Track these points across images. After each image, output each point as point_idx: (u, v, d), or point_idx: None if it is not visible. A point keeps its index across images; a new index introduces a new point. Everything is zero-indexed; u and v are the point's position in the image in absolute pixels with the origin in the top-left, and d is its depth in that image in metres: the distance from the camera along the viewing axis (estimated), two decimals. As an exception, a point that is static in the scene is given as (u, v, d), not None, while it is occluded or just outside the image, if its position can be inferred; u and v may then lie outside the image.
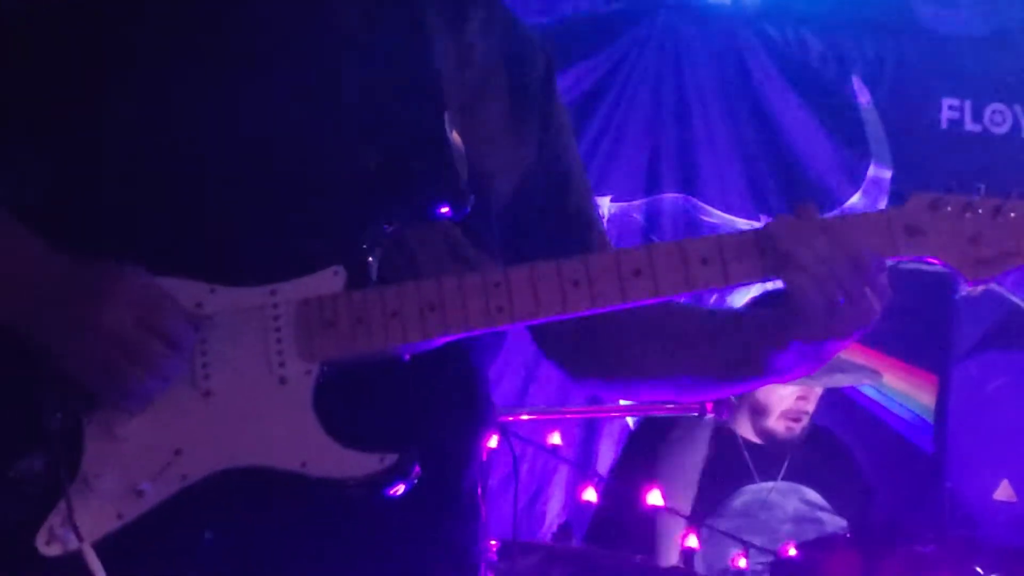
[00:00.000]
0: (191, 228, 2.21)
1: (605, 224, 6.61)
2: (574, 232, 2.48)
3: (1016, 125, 7.22)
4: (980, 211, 2.18)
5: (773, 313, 2.24)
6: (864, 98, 7.12)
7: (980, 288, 5.50)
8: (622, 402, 6.69)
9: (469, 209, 2.23)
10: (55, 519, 2.10)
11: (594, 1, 6.84)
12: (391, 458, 2.13)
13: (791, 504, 5.18)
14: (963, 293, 6.21)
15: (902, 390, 6.84)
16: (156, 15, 2.26)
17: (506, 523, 5.58)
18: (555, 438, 5.49)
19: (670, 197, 6.93)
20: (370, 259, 2.20)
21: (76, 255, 2.17)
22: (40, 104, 2.26)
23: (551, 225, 2.47)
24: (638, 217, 6.89)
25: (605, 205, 6.82)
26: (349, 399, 2.18)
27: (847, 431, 5.98)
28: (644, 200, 6.89)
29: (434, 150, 2.25)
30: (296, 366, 2.17)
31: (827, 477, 5.30)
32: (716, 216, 6.95)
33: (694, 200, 6.95)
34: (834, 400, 6.18)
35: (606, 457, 6.55)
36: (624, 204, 6.87)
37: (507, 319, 2.18)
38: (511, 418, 4.80)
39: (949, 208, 2.19)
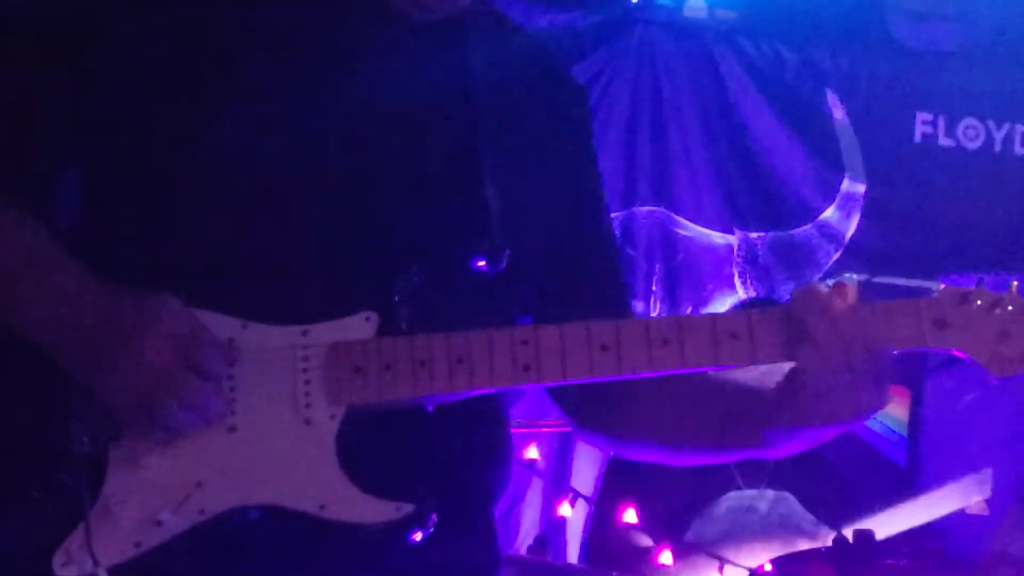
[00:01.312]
0: (228, 262, 2.23)
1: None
2: (597, 287, 2.49)
3: (989, 140, 7.27)
4: (1010, 308, 2.19)
5: (777, 390, 2.23)
6: (838, 112, 7.15)
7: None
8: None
9: (504, 264, 2.25)
10: (73, 542, 2.12)
11: (571, 15, 6.85)
12: (408, 507, 2.15)
13: (775, 512, 5.19)
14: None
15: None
16: (197, 49, 2.26)
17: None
18: (531, 452, 5.50)
19: (646, 210, 6.94)
20: (402, 307, 2.21)
21: (116, 283, 2.18)
22: (74, 130, 2.26)
23: (576, 277, 2.47)
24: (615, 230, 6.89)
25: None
26: (372, 445, 2.19)
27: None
28: (620, 213, 6.90)
29: (470, 200, 2.27)
30: (322, 408, 2.18)
31: (809, 486, 5.32)
32: (691, 229, 6.97)
33: (669, 213, 6.97)
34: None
35: (580, 472, 6.55)
36: (600, 217, 6.87)
37: (534, 378, 2.19)
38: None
39: (979, 303, 2.19)
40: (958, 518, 6.50)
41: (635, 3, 6.92)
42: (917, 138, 7.21)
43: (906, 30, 7.10)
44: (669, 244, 6.95)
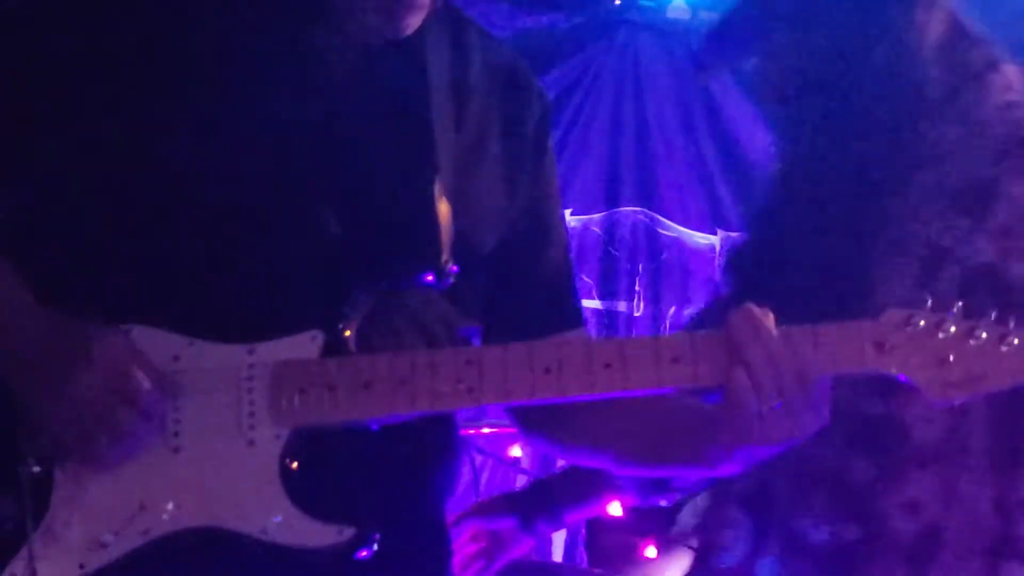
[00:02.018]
0: (174, 279, 2.20)
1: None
2: (544, 301, 2.45)
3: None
4: (952, 331, 2.13)
5: (718, 409, 2.19)
6: (821, 113, 7.15)
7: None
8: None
9: (452, 280, 2.23)
10: (17, 565, 2.10)
11: (554, 16, 6.86)
12: (350, 531, 2.12)
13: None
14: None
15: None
16: (138, 68, 2.23)
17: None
18: (515, 451, 5.50)
19: (629, 211, 6.96)
20: (349, 326, 2.18)
21: (56, 309, 2.16)
22: (22, 144, 2.24)
23: (523, 289, 2.44)
24: (598, 231, 6.92)
25: (566, 218, 6.82)
26: (316, 466, 2.16)
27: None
28: (604, 213, 6.92)
29: (421, 217, 2.24)
30: (266, 429, 2.15)
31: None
32: (674, 230, 6.99)
33: (653, 214, 6.98)
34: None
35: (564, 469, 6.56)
36: (584, 218, 6.90)
37: (476, 400, 2.16)
38: (472, 431, 4.81)
39: (921, 326, 2.13)
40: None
41: (618, 4, 6.93)
42: (899, 139, 7.23)
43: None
44: (652, 245, 6.97)
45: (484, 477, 5.44)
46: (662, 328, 6.67)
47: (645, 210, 6.97)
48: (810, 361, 2.11)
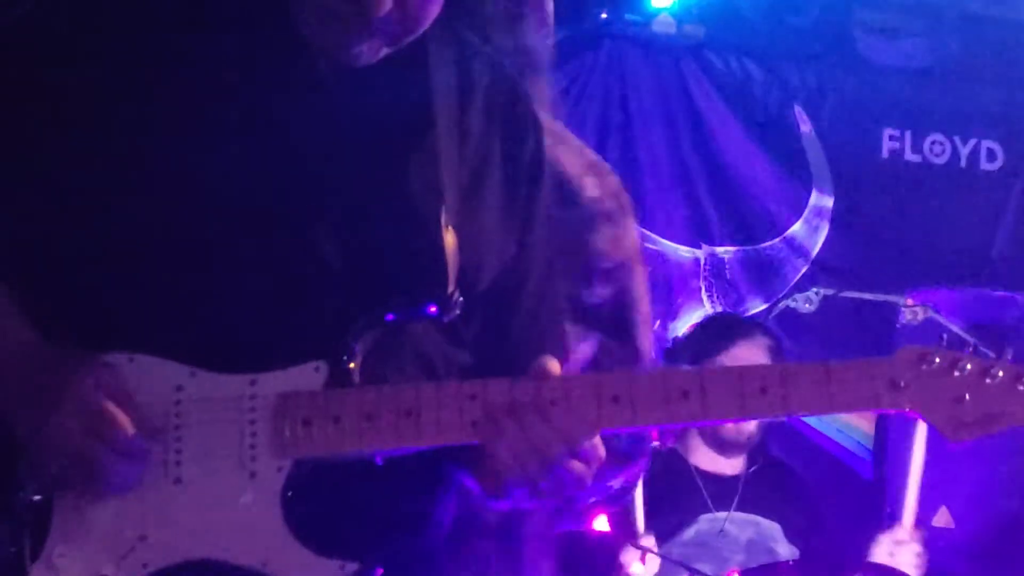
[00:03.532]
0: (178, 308, 2.19)
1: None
2: (533, 335, 2.43)
3: (955, 155, 7.32)
4: (967, 370, 2.13)
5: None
6: (806, 127, 7.18)
7: (920, 317, 5.56)
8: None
9: (458, 310, 2.22)
10: None
11: (540, 29, 6.85)
12: (352, 566, 2.12)
13: (745, 535, 5.20)
14: (903, 321, 6.27)
15: (842, 418, 6.89)
16: (143, 102, 2.22)
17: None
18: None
19: (614, 224, 6.94)
20: (352, 357, 2.17)
21: (61, 337, 2.16)
22: (29, 174, 2.23)
23: (510, 322, 2.42)
24: (582, 244, 6.90)
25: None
26: (319, 499, 2.15)
27: (790, 459, 6.02)
28: (588, 227, 6.90)
29: (427, 248, 2.22)
30: (267, 461, 2.14)
31: (781, 507, 5.33)
32: (659, 244, 6.99)
33: (638, 227, 6.96)
34: (774, 427, 6.22)
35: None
36: (568, 231, 6.88)
37: (479, 435, 2.15)
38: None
39: (936, 364, 2.13)
40: (925, 532, 6.53)
41: (604, 18, 6.92)
42: (884, 153, 7.26)
43: (873, 46, 7.15)
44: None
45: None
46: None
47: (630, 223, 6.96)
48: (571, 430, 2.12)
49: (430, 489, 2.32)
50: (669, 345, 5.55)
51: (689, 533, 5.14)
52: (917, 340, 6.84)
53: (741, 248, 7.09)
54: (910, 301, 5.92)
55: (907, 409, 2.13)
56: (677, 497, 5.20)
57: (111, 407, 2.11)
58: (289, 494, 2.13)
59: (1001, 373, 2.13)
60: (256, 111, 2.23)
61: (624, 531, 4.96)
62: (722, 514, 5.20)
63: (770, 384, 2.13)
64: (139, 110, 2.21)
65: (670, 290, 6.99)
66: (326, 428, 2.13)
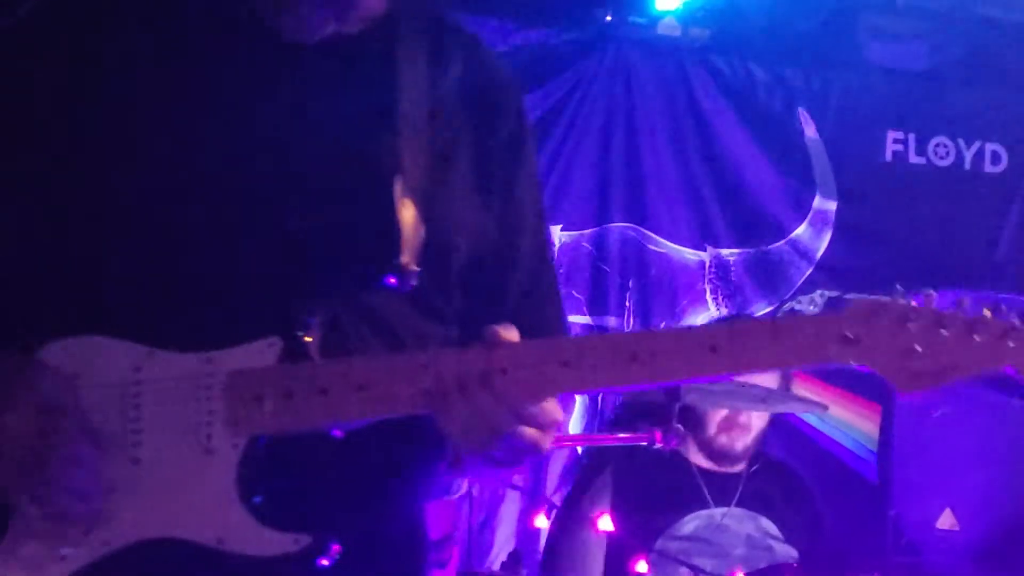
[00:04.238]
0: (133, 288, 2.20)
1: (555, 253, 6.73)
2: (517, 314, 2.35)
3: (959, 158, 7.33)
4: (920, 321, 2.08)
5: None
6: (810, 130, 7.19)
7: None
8: (571, 431, 6.75)
9: (416, 281, 2.21)
10: None
11: (545, 32, 6.87)
12: (306, 539, 2.12)
13: (744, 530, 5.21)
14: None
15: (846, 419, 6.90)
16: (98, 77, 2.25)
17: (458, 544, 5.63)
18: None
19: (619, 227, 6.96)
20: (308, 332, 2.16)
21: (17, 323, 2.17)
22: None
23: (496, 302, 2.40)
24: (588, 246, 6.92)
25: (556, 234, 6.85)
26: (275, 474, 2.15)
27: (792, 460, 6.02)
28: (594, 229, 6.93)
29: (381, 221, 2.21)
30: (223, 438, 2.14)
31: (781, 507, 5.33)
32: (664, 246, 7.00)
33: (642, 230, 6.99)
34: (779, 430, 6.22)
35: (554, 483, 6.57)
36: (575, 233, 6.90)
37: (430, 405, 2.13)
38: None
39: (888, 316, 2.08)
40: (928, 533, 6.53)
41: (608, 21, 6.93)
42: (888, 156, 7.27)
43: (878, 49, 7.15)
44: (642, 260, 6.97)
45: (475, 490, 5.43)
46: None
47: (635, 226, 6.98)
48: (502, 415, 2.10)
49: (391, 461, 2.30)
50: None
51: (688, 528, 5.15)
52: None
53: (746, 250, 7.10)
54: (914, 303, 5.91)
55: (857, 363, 2.09)
56: (677, 495, 5.21)
57: (61, 410, 2.12)
58: (245, 470, 2.13)
59: (954, 324, 2.07)
60: (215, 92, 2.25)
61: (630, 532, 4.96)
62: (721, 509, 5.20)
63: (719, 343, 2.10)
64: (94, 95, 2.23)
65: (675, 292, 7.00)
66: (279, 404, 2.13)
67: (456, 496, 3.36)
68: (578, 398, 6.76)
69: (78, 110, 2.24)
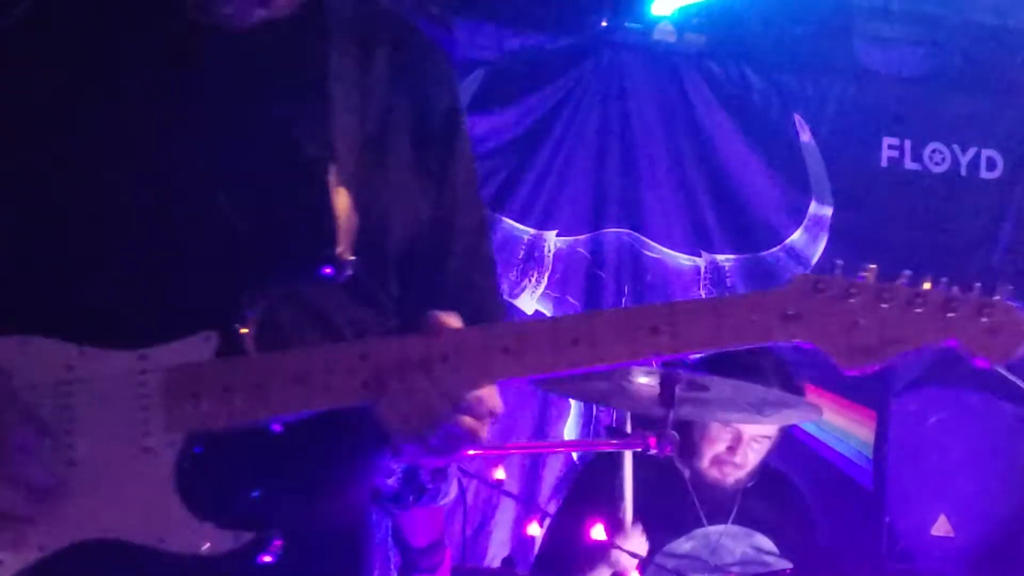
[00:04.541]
0: (64, 286, 2.17)
1: (551, 259, 6.73)
2: (454, 301, 2.31)
3: (955, 164, 7.33)
4: (861, 296, 2.05)
5: None
6: (805, 136, 7.19)
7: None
8: (565, 437, 6.74)
9: (351, 270, 2.17)
10: None
11: (540, 37, 6.86)
12: (246, 536, 2.10)
13: (740, 548, 5.19)
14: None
15: (841, 426, 6.90)
16: (35, 80, 2.22)
17: (452, 551, 5.62)
18: (499, 473, 5.50)
19: (614, 232, 6.96)
20: (245, 325, 2.13)
21: None
22: None
23: (431, 289, 2.37)
24: (583, 252, 6.92)
25: (551, 239, 6.85)
26: (215, 471, 2.13)
27: (786, 468, 6.01)
28: (589, 235, 6.92)
29: (315, 210, 2.18)
30: (160, 436, 2.12)
31: (778, 522, 5.32)
32: (659, 252, 6.99)
33: (638, 235, 6.98)
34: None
35: (548, 491, 6.57)
36: (570, 239, 6.90)
37: (371, 396, 2.11)
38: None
39: (830, 292, 2.05)
40: (922, 539, 6.53)
41: (604, 26, 6.93)
42: (883, 162, 7.26)
43: (873, 55, 7.15)
44: (637, 266, 6.97)
45: (469, 498, 5.43)
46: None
47: (630, 231, 6.97)
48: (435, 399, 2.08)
49: (331, 453, 2.27)
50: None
51: (684, 546, 5.13)
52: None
53: (741, 256, 7.09)
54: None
55: (800, 340, 2.05)
56: (673, 511, 5.19)
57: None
58: (183, 468, 2.11)
59: (896, 296, 2.05)
60: (144, 86, 2.22)
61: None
62: (718, 527, 5.19)
63: (660, 323, 2.07)
64: (25, 94, 2.21)
65: (670, 298, 6.98)
66: (216, 400, 2.10)
67: (443, 503, 3.36)
68: (572, 405, 6.77)
69: (8, 108, 2.21)
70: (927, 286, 2.06)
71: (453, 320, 2.14)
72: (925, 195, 7.25)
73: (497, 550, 6.47)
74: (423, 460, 2.21)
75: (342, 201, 2.19)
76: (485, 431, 2.15)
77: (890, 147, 7.26)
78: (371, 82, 2.32)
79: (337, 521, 2.31)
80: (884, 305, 2.05)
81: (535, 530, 5.39)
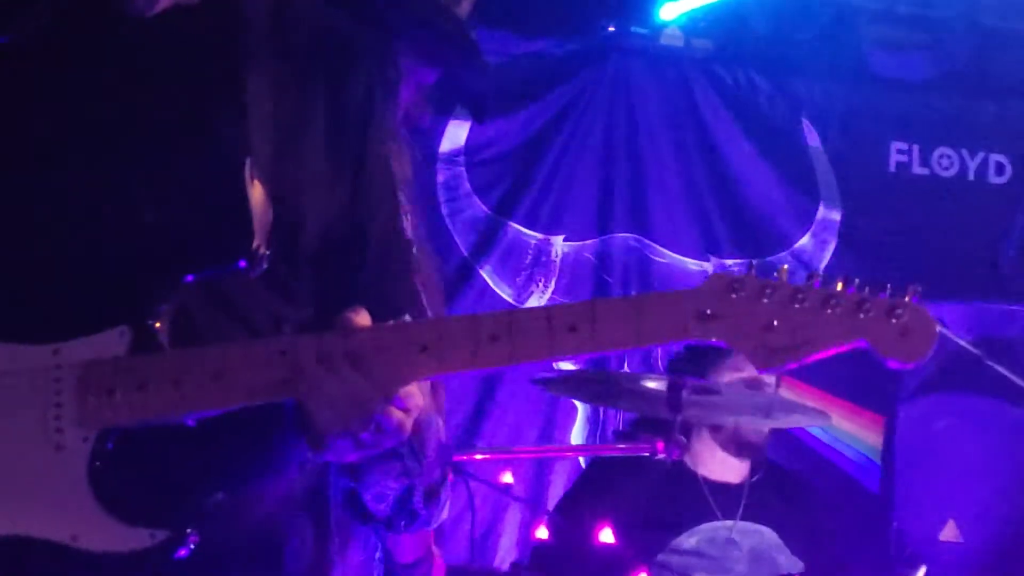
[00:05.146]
0: None
1: (558, 264, 6.72)
2: (370, 292, 2.33)
3: (963, 169, 7.32)
4: (776, 296, 2.05)
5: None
6: (813, 140, 7.19)
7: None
8: (573, 441, 6.74)
9: (267, 264, 2.15)
10: None
11: (546, 42, 6.86)
12: (162, 534, 2.07)
13: (748, 543, 5.19)
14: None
15: (849, 431, 6.89)
16: None
17: (460, 555, 5.63)
18: (507, 477, 5.50)
19: (621, 237, 6.96)
20: (159, 319, 2.11)
21: None
22: None
23: (348, 280, 2.34)
24: (590, 257, 6.92)
25: (558, 245, 6.85)
26: (129, 467, 2.10)
27: (796, 467, 6.01)
28: (596, 240, 6.92)
29: (229, 203, 2.15)
30: (73, 433, 2.08)
31: (784, 516, 5.31)
32: (666, 256, 6.99)
33: (645, 240, 6.98)
34: (782, 441, 6.21)
35: (556, 495, 6.56)
36: (577, 244, 6.90)
37: (291, 391, 2.10)
38: (464, 457, 4.82)
39: (745, 291, 2.06)
40: (931, 545, 6.51)
41: (611, 31, 6.93)
42: (892, 167, 7.25)
43: (881, 59, 7.14)
44: (644, 271, 6.96)
45: (476, 502, 5.42)
46: (654, 355, 6.66)
47: (637, 236, 6.97)
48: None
49: (248, 449, 2.24)
50: (672, 357, 5.55)
51: (690, 542, 5.13)
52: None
53: (749, 261, 7.08)
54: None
55: (715, 339, 2.06)
56: (682, 508, 5.19)
57: None
58: (97, 465, 2.08)
59: (810, 297, 2.05)
60: (55, 76, 2.20)
61: (626, 544, 4.95)
62: (727, 523, 5.18)
63: (579, 322, 2.07)
64: None
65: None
66: (131, 396, 2.08)
67: (434, 527, 3.35)
68: (579, 409, 6.76)
69: None
70: (839, 287, 2.07)
71: (363, 317, 2.12)
72: (933, 200, 7.23)
73: (505, 554, 6.47)
74: (348, 456, 2.18)
75: (257, 193, 2.17)
76: (410, 425, 2.14)
77: (898, 152, 7.25)
78: (285, 71, 2.29)
79: (252, 514, 2.28)
80: (797, 305, 2.06)
81: (544, 534, 5.38)
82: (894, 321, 2.07)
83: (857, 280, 2.09)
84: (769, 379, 5.08)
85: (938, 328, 2.09)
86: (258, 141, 2.21)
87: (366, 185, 2.35)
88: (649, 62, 7.04)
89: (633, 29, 6.94)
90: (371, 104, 2.37)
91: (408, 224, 2.52)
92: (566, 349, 2.09)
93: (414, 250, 2.53)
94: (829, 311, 2.05)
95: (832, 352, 2.07)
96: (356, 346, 2.08)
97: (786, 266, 2.10)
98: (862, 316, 2.06)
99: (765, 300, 2.06)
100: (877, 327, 2.06)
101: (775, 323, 2.05)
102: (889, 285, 2.10)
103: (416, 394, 2.14)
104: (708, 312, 2.06)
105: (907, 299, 2.09)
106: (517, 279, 6.80)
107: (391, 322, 2.15)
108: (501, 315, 2.11)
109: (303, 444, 2.19)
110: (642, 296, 2.11)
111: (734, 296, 2.06)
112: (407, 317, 2.20)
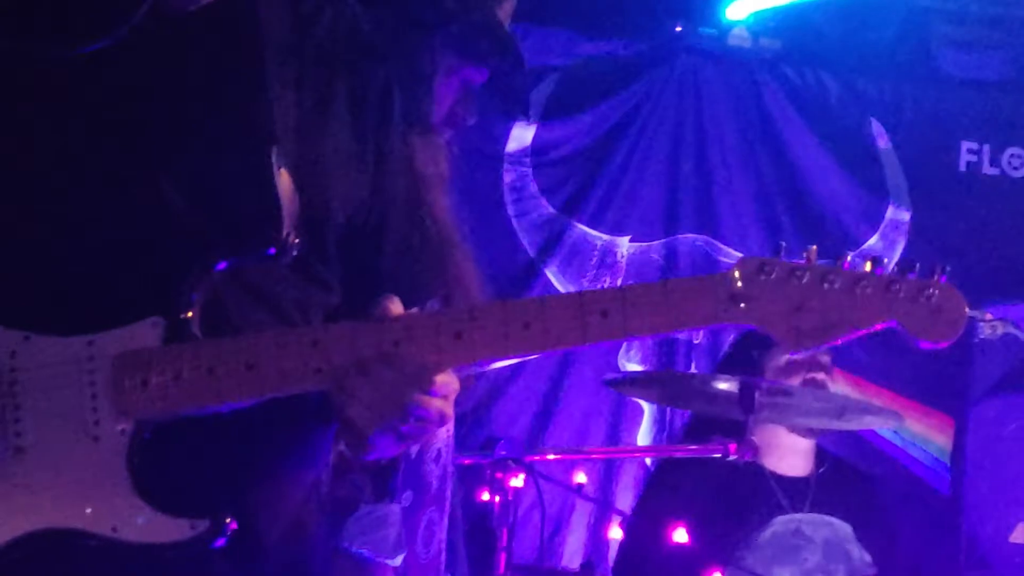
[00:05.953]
0: (7, 276, 2.16)
1: (623, 264, 6.72)
2: (395, 279, 2.34)
3: (1033, 169, 7.26)
4: (807, 277, 2.06)
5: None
6: (882, 140, 7.15)
7: (999, 331, 5.52)
8: (639, 443, 6.74)
9: (296, 251, 2.16)
10: None
11: (613, 43, 6.87)
12: (202, 524, 2.07)
13: (820, 535, 5.16)
14: (981, 336, 6.22)
15: (919, 432, 6.85)
16: None
17: (528, 554, 5.65)
18: (580, 477, 5.52)
19: (688, 238, 6.95)
20: (190, 309, 2.12)
21: None
22: None
23: (373, 266, 2.36)
24: (657, 257, 6.92)
25: (624, 245, 6.85)
26: (167, 458, 2.11)
27: (859, 462, 5.98)
28: (663, 240, 6.92)
29: (258, 190, 2.16)
30: (110, 424, 2.09)
31: (853, 512, 5.29)
32: (734, 257, 6.96)
33: (712, 241, 6.97)
34: (850, 442, 6.18)
35: (624, 495, 6.57)
36: (643, 244, 6.90)
37: (323, 381, 2.10)
38: (536, 457, 4.85)
39: (775, 274, 2.07)
40: (1001, 547, 6.47)
41: (678, 32, 6.93)
42: (962, 167, 7.20)
43: (951, 59, 7.10)
44: (711, 271, 6.92)
45: (546, 500, 5.44)
46: (718, 355, 6.66)
47: (705, 236, 6.96)
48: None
49: (285, 438, 2.26)
50: (721, 360, 5.55)
51: (765, 536, 5.11)
52: (996, 355, 6.83)
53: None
54: (989, 316, 5.85)
55: (747, 322, 2.07)
56: (752, 503, 5.18)
57: None
58: (135, 456, 2.08)
59: (839, 279, 2.06)
60: (86, 66, 2.20)
61: (699, 544, 4.95)
62: (797, 516, 5.16)
63: (611, 308, 2.08)
64: None
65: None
66: (166, 386, 2.08)
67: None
68: (646, 409, 6.76)
69: None
70: (868, 267, 2.07)
71: (397, 306, 2.13)
72: (1004, 200, 7.17)
73: (573, 554, 6.48)
74: (391, 451, 2.19)
75: (284, 182, 2.18)
76: (451, 409, 2.15)
77: (968, 151, 7.19)
78: (306, 62, 2.30)
79: (287, 503, 2.29)
80: (826, 286, 2.06)
81: (616, 533, 5.40)
82: (924, 301, 2.06)
83: (886, 260, 2.09)
84: (824, 377, 5.07)
85: (967, 310, 2.09)
86: (282, 130, 2.22)
87: (386, 172, 2.36)
88: (717, 62, 7.03)
89: (701, 29, 6.95)
90: (390, 97, 2.38)
91: (438, 217, 2.54)
92: (598, 334, 2.10)
93: (440, 240, 2.54)
94: (859, 292, 2.05)
95: (862, 333, 2.07)
96: (389, 344, 2.09)
97: (814, 247, 2.09)
98: (891, 297, 2.06)
99: (795, 282, 2.07)
100: (907, 308, 2.06)
101: (804, 305, 2.06)
102: (918, 265, 2.08)
103: (453, 380, 2.15)
104: (738, 295, 2.07)
105: (936, 279, 2.07)
106: (583, 279, 6.81)
107: (424, 310, 2.18)
108: (532, 302, 2.13)
109: (329, 432, 2.23)
110: (673, 281, 2.12)
111: (763, 279, 2.07)
112: (433, 304, 2.22)
